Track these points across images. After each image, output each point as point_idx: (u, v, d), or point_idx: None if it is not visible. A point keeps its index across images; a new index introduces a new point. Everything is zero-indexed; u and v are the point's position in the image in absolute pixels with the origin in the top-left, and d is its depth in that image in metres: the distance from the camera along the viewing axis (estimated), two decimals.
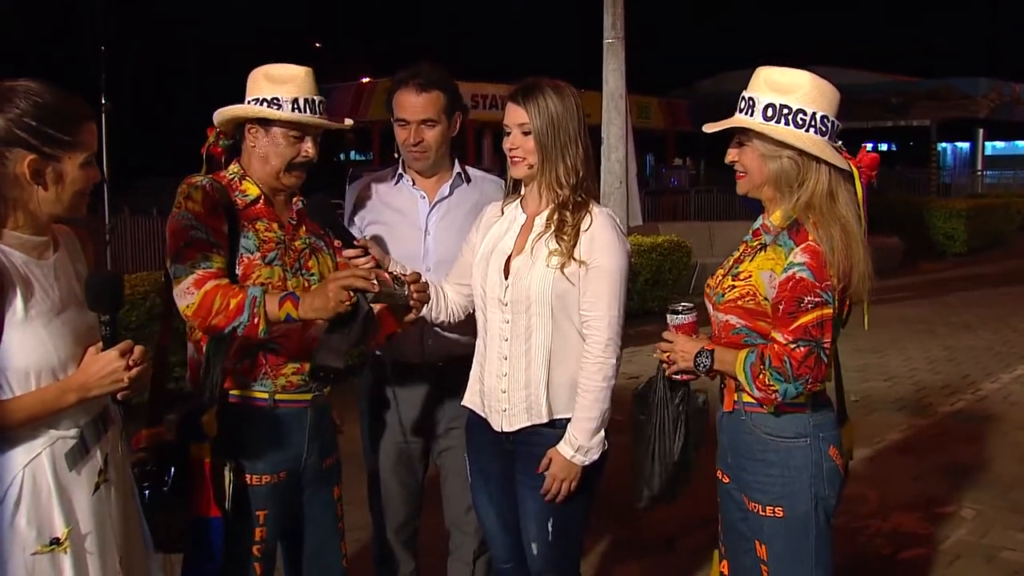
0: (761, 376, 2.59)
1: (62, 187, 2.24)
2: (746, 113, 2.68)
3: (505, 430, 3.00)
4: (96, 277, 2.28)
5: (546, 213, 2.96)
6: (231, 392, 2.87)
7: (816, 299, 2.56)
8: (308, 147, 2.94)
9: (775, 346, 2.60)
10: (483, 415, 3.07)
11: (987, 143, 28.64)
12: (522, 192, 3.07)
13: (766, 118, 2.64)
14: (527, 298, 2.92)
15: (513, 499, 3.07)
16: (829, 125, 2.66)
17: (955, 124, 26.22)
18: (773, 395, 2.60)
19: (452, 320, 3.19)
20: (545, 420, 2.94)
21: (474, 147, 20.02)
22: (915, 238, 17.56)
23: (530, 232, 2.99)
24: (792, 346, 2.57)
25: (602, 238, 2.91)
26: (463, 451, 3.29)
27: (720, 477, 2.90)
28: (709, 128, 2.80)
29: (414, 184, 3.48)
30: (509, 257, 2.99)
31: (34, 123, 2.17)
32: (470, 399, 3.13)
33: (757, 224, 2.82)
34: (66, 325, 2.26)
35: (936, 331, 10.79)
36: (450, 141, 3.46)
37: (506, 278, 2.97)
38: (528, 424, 2.96)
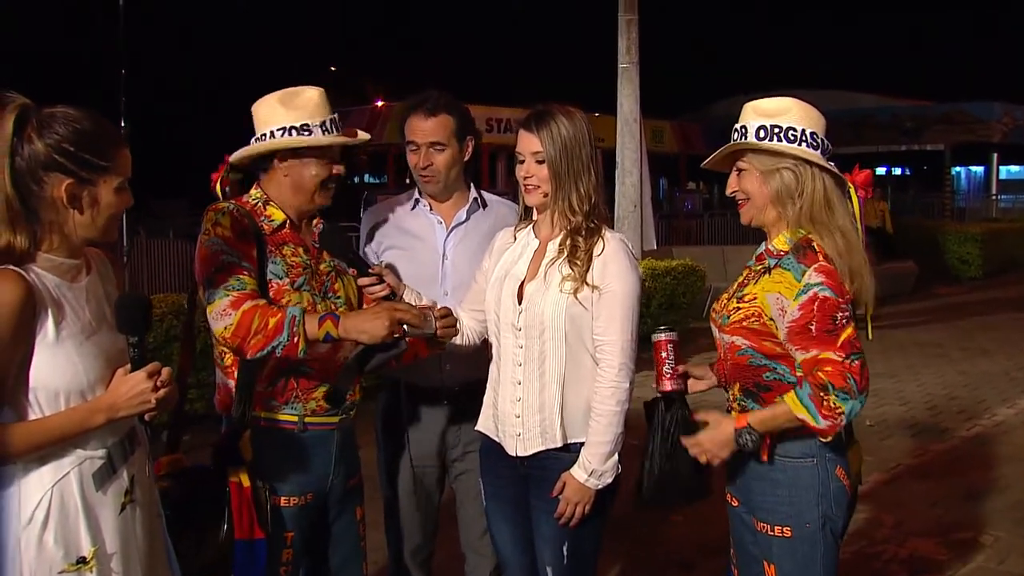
0: (826, 402, 2.58)
1: (97, 211, 2.28)
2: (740, 138, 2.77)
3: (519, 455, 3.01)
4: (125, 300, 2.32)
5: (559, 239, 2.99)
6: (261, 416, 2.91)
7: (845, 314, 2.62)
8: (339, 167, 3.01)
9: (829, 368, 2.58)
10: (497, 439, 3.09)
11: (1001, 167, 28.58)
12: (534, 218, 3.10)
13: (759, 138, 2.73)
14: (540, 323, 2.93)
15: (528, 523, 3.07)
16: (820, 142, 2.74)
17: (969, 148, 26.19)
18: (839, 418, 2.59)
19: (468, 345, 3.21)
20: (559, 444, 2.95)
21: (488, 170, 20.10)
22: (929, 262, 17.49)
23: (543, 257, 3.01)
24: (848, 361, 2.58)
25: (615, 263, 2.93)
26: (478, 475, 3.30)
27: (729, 500, 2.91)
28: (708, 163, 2.88)
29: (431, 209, 3.51)
30: (522, 282, 3.01)
31: (72, 148, 2.22)
32: (484, 424, 3.14)
33: (760, 250, 2.87)
34: (96, 347, 2.29)
35: (951, 356, 10.74)
36: (463, 166, 3.49)
37: (519, 303, 2.99)
38: (542, 449, 2.97)
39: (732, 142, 2.80)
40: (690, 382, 3.00)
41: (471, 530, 3.57)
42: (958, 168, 29.78)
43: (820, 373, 2.59)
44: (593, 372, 2.94)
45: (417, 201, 3.54)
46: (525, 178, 2.98)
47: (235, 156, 3.03)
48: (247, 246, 2.85)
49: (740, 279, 2.88)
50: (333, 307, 2.98)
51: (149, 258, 13.94)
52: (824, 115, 2.80)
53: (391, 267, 3.17)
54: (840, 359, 2.58)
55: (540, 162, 2.94)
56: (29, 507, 2.21)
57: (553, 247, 2.99)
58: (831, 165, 2.75)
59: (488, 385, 3.14)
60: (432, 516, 3.60)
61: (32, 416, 2.21)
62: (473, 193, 3.55)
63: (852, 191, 2.76)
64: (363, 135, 3.19)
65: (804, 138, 2.71)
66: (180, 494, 2.68)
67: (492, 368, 3.12)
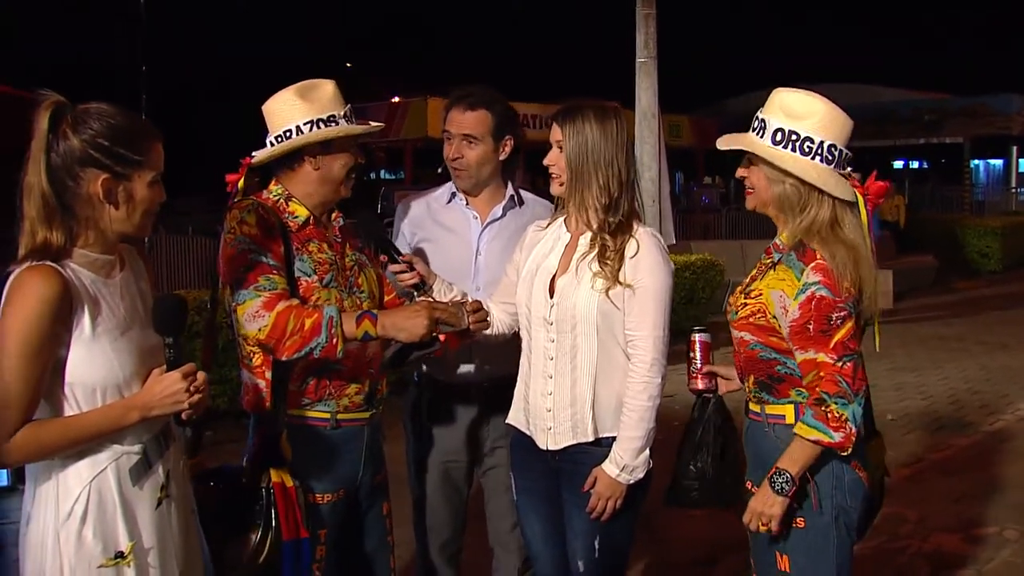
0: (830, 415, 2.59)
1: (132, 206, 2.30)
2: (758, 134, 2.75)
3: (550, 448, 3.02)
4: (163, 301, 2.35)
5: (589, 234, 2.99)
6: (293, 413, 2.92)
7: (842, 313, 2.61)
8: (360, 154, 3.03)
9: (821, 371, 2.61)
10: (528, 433, 3.09)
11: (1021, 160, 28.39)
12: (564, 209, 3.11)
13: (775, 142, 2.71)
14: (572, 317, 2.94)
15: (558, 516, 3.08)
16: (836, 154, 2.71)
17: (988, 141, 26.05)
18: (847, 426, 2.59)
19: (499, 338, 3.22)
20: (591, 439, 2.95)
21: None
22: (949, 256, 17.41)
23: (574, 252, 3.01)
24: (840, 363, 2.60)
25: (647, 259, 2.94)
26: (507, 469, 3.31)
27: (750, 489, 2.90)
28: (722, 144, 2.84)
29: (467, 204, 3.52)
30: (554, 276, 3.02)
31: (107, 143, 2.24)
32: (514, 417, 3.15)
33: (771, 243, 2.88)
34: (131, 343, 2.31)
35: (971, 350, 10.68)
36: (499, 164, 3.49)
37: (551, 297, 2.99)
38: (573, 443, 2.97)
39: (750, 131, 2.78)
40: (720, 382, 3.03)
41: (499, 525, 3.59)
42: (976, 161, 29.60)
43: (813, 391, 2.62)
44: (625, 366, 2.95)
45: (453, 195, 3.54)
46: (549, 166, 3.01)
47: (258, 158, 2.99)
48: (275, 244, 2.85)
49: (753, 272, 2.90)
50: (358, 301, 2.99)
51: (168, 254, 13.98)
52: (849, 113, 2.77)
53: (422, 253, 3.16)
54: (832, 361, 2.60)
55: (562, 151, 2.97)
56: (68, 502, 2.23)
57: (584, 242, 2.99)
58: (844, 180, 2.71)
59: (519, 378, 3.14)
60: (460, 511, 3.61)
61: (68, 411, 2.23)
62: (510, 191, 3.55)
63: (862, 202, 2.72)
64: (376, 124, 3.20)
65: (820, 151, 2.68)
66: (221, 498, 2.68)
67: (523, 361, 3.12)
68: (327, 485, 2.96)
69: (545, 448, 3.03)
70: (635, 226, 2.99)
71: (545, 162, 3.01)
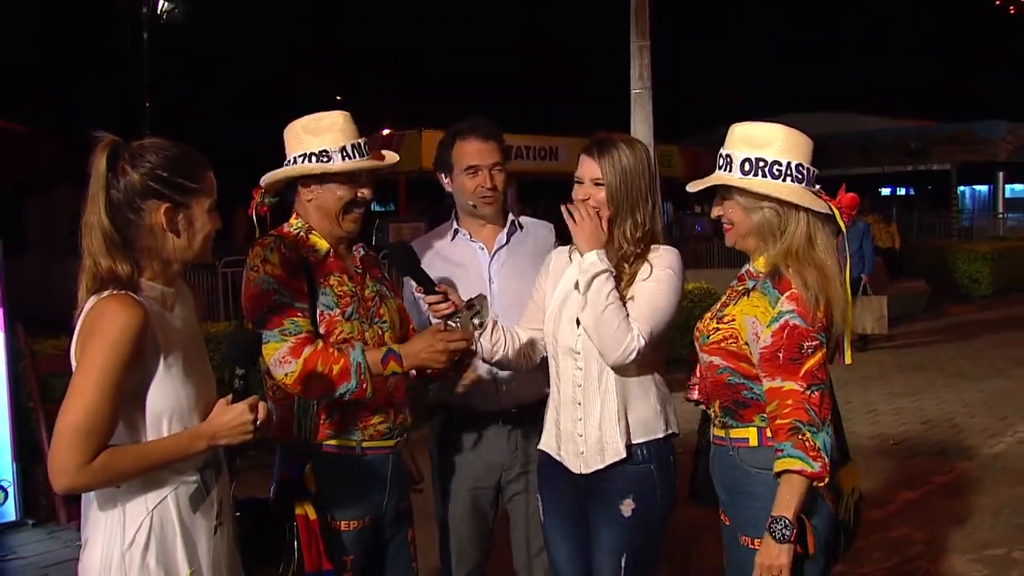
0: (806, 442, 2.60)
1: (192, 233, 2.37)
2: (725, 170, 2.80)
3: (582, 472, 3.06)
4: (241, 334, 2.47)
5: (615, 263, 3.03)
6: (320, 443, 2.96)
7: (814, 343, 2.65)
8: (364, 190, 3.04)
9: (789, 399, 2.63)
10: (558, 459, 3.14)
11: (1007, 185, 28.60)
12: None
13: (744, 172, 2.76)
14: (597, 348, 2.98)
15: (584, 538, 3.12)
16: (805, 172, 2.77)
17: (975, 167, 26.22)
18: (821, 455, 2.60)
19: (527, 365, 3.27)
20: (623, 455, 3.00)
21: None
22: (940, 282, 17.52)
23: None
24: (808, 392, 2.63)
25: (658, 270, 2.99)
26: (533, 495, 3.37)
27: (722, 519, 2.94)
28: (693, 187, 2.90)
29: (471, 237, 3.57)
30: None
31: (165, 174, 2.31)
32: (546, 442, 3.20)
33: (742, 270, 2.93)
34: (191, 372, 2.36)
35: (968, 374, 10.76)
36: None
37: (578, 327, 3.04)
38: (604, 465, 3.02)
39: (717, 170, 2.83)
40: None
41: (524, 550, 3.61)
42: (963, 187, 29.82)
43: (780, 420, 2.63)
44: (652, 386, 3.04)
45: (456, 231, 3.60)
46: (583, 200, 3.04)
47: (264, 179, 3.07)
48: (298, 282, 2.89)
49: (723, 299, 2.93)
50: (380, 332, 3.04)
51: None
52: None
53: (452, 285, 3.21)
54: (801, 390, 2.63)
55: (599, 186, 3.02)
56: (132, 529, 2.28)
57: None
58: (816, 196, 2.77)
59: (549, 404, 3.20)
60: (487, 537, 3.63)
61: (139, 440, 2.28)
62: (510, 217, 3.62)
63: (838, 214, 2.77)
64: (391, 156, 3.19)
65: (789, 172, 2.74)
66: (249, 529, 2.71)
67: (552, 388, 3.18)
68: (352, 512, 2.99)
69: (577, 471, 3.08)
70: (656, 247, 3.04)
71: (580, 196, 3.05)
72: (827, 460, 2.61)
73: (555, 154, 19.65)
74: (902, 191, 35.52)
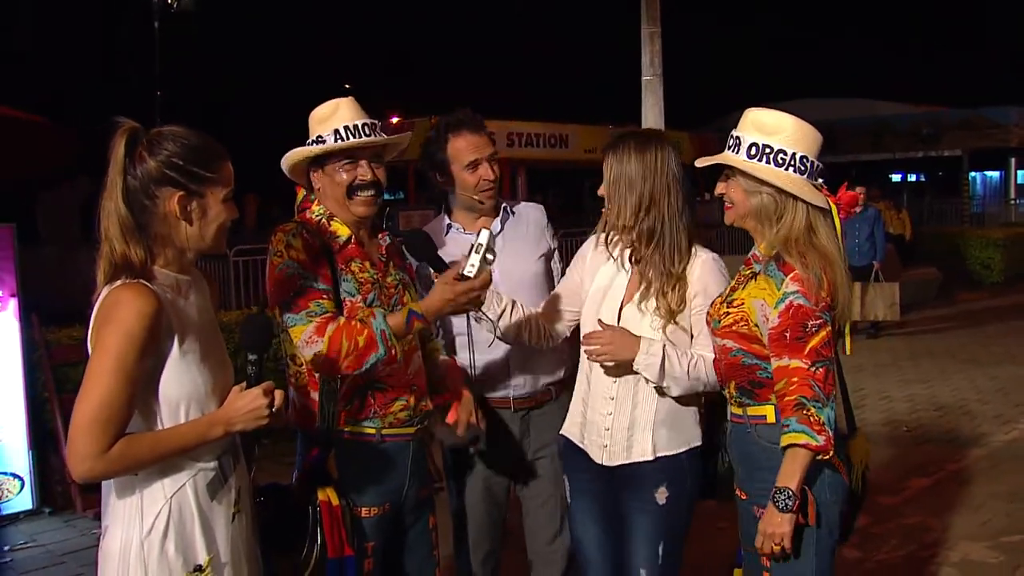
0: (811, 416, 2.67)
1: (206, 222, 2.37)
2: (733, 150, 2.87)
3: (605, 464, 3.09)
4: (254, 320, 2.45)
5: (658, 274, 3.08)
6: (342, 429, 2.96)
7: (818, 321, 2.72)
8: (362, 170, 3.00)
9: (795, 376, 2.70)
10: (582, 447, 3.16)
11: (1019, 171, 28.48)
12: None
13: (749, 156, 2.83)
14: None
15: (612, 521, 3.15)
16: (808, 165, 2.84)
17: (986, 153, 26.12)
18: (825, 429, 2.67)
19: (548, 345, 3.31)
20: (650, 458, 3.04)
21: (510, 185, 20.16)
22: (951, 268, 17.46)
23: (640, 280, 3.11)
24: (812, 368, 2.70)
25: (712, 289, 3.05)
26: (544, 482, 3.41)
27: (739, 494, 2.99)
28: (700, 163, 2.96)
29: (465, 231, 3.56)
30: (622, 303, 3.11)
31: (181, 162, 2.32)
32: (569, 429, 3.22)
33: (749, 254, 2.98)
34: (207, 359, 2.37)
35: (980, 360, 10.72)
36: None
37: (617, 323, 3.08)
38: (628, 462, 3.06)
39: (726, 150, 2.90)
40: None
41: (538, 537, 3.63)
42: (974, 173, 29.70)
43: (788, 397, 2.70)
44: (695, 397, 3.10)
45: (450, 227, 3.60)
46: (600, 195, 3.15)
47: (283, 165, 3.08)
48: (322, 266, 2.90)
49: (732, 283, 2.99)
50: None
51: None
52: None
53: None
54: (806, 366, 2.70)
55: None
56: (151, 516, 2.29)
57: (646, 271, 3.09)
58: (816, 189, 2.83)
59: (576, 393, 3.22)
60: (500, 524, 3.64)
61: (156, 427, 2.29)
62: (502, 203, 3.62)
63: (834, 211, 2.87)
64: (399, 137, 3.12)
65: (793, 162, 2.80)
66: (268, 515, 2.71)
67: (582, 379, 3.20)
68: (373, 499, 2.99)
69: (599, 463, 3.11)
70: (695, 251, 3.09)
71: (600, 192, 3.16)
72: (831, 434, 2.68)
73: (565, 141, 19.61)
74: (912, 177, 35.39)
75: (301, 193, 3.20)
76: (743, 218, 2.91)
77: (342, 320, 2.85)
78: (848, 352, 2.89)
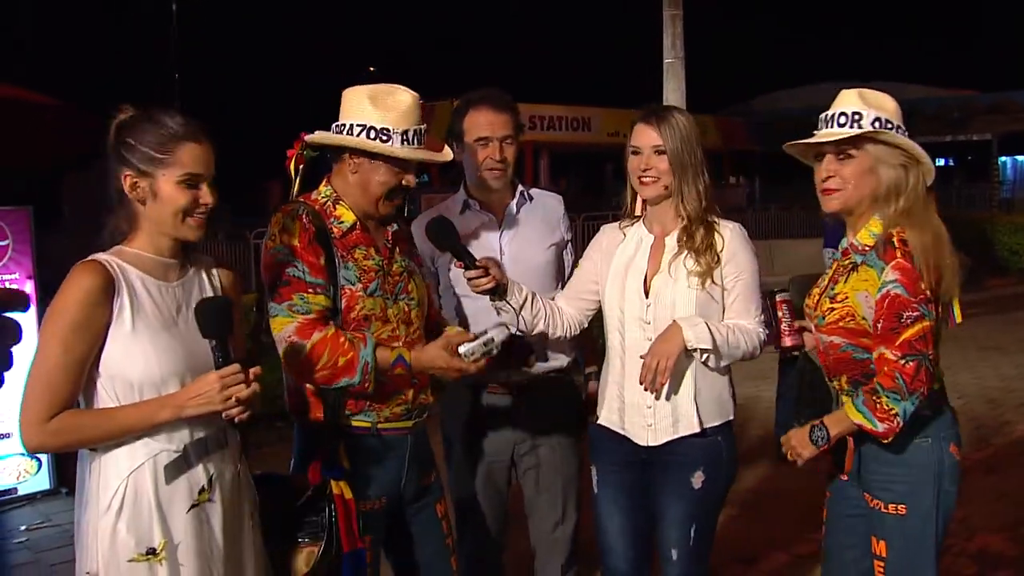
0: (879, 405, 2.64)
1: (158, 204, 2.36)
2: (849, 126, 2.75)
3: (651, 444, 3.06)
4: (204, 304, 2.37)
5: (676, 233, 3.05)
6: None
7: (915, 313, 2.64)
8: (410, 177, 2.91)
9: (884, 367, 2.66)
10: (621, 432, 3.13)
11: None
12: (638, 212, 3.17)
13: (880, 127, 2.75)
14: (670, 316, 2.98)
15: (643, 511, 3.14)
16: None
17: (1017, 137, 25.82)
18: (895, 419, 2.65)
19: (568, 335, 3.27)
20: (697, 430, 3.02)
21: (532, 167, 20.12)
22: (979, 254, 17.25)
23: (663, 251, 3.05)
24: (902, 361, 2.63)
25: (741, 253, 3.04)
26: (545, 470, 3.41)
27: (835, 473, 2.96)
28: (823, 137, 2.81)
29: (481, 208, 3.52)
30: (646, 276, 3.06)
31: (132, 141, 2.34)
32: (607, 417, 3.18)
33: (844, 244, 2.91)
34: (174, 342, 2.35)
35: (1006, 348, 10.59)
36: None
37: (646, 297, 3.04)
38: (675, 437, 3.03)
39: (837, 127, 2.78)
40: (805, 336, 3.02)
41: (542, 524, 3.60)
42: (1004, 158, 29.36)
43: (871, 384, 2.67)
44: (728, 367, 3.08)
45: (466, 202, 3.54)
46: (644, 170, 3.04)
47: (312, 137, 2.93)
48: (314, 255, 2.78)
49: (830, 273, 2.93)
50: (407, 308, 2.95)
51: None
52: None
53: (495, 261, 3.13)
54: (895, 359, 2.64)
55: (659, 153, 3.01)
56: (107, 495, 2.30)
57: (672, 241, 3.05)
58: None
59: (609, 379, 3.19)
60: (503, 511, 3.61)
61: (107, 404, 2.30)
62: (519, 188, 3.58)
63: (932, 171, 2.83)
64: (447, 152, 3.05)
65: (905, 135, 2.77)
66: (268, 507, 2.67)
67: (615, 362, 3.16)
68: (367, 493, 2.91)
69: (644, 444, 3.07)
70: (716, 219, 3.06)
71: (640, 167, 3.05)
72: (896, 426, 2.64)
73: (588, 124, 19.54)
74: (941, 162, 35.04)
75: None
76: (859, 201, 2.80)
77: (331, 331, 2.75)
78: (959, 320, 2.83)
